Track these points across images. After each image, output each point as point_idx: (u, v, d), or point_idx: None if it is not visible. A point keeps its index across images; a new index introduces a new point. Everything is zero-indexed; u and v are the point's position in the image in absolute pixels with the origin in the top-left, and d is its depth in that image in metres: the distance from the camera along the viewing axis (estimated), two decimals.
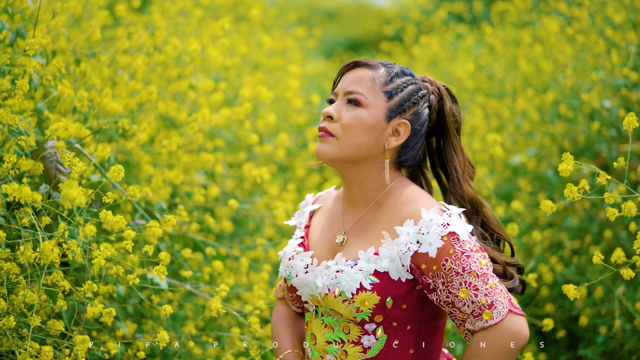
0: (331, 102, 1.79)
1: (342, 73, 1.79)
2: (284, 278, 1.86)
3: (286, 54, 4.58)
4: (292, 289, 1.84)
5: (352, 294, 1.65)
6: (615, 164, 1.74)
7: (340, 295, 1.66)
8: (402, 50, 5.79)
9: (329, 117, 1.74)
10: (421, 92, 1.80)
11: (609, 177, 1.72)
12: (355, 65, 1.77)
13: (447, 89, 1.87)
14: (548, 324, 2.51)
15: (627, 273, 1.78)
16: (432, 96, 1.82)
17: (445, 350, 1.88)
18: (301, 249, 1.85)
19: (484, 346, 1.59)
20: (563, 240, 3.37)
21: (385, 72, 1.75)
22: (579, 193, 1.72)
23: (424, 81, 1.85)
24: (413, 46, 5.29)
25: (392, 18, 7.12)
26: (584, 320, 2.97)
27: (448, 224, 1.64)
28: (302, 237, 1.89)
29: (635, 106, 3.12)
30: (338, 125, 1.72)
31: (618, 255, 1.84)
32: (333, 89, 1.81)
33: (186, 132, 2.53)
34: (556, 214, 3.48)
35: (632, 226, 2.54)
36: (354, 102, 1.72)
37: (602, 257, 1.79)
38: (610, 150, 3.27)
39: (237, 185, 3.44)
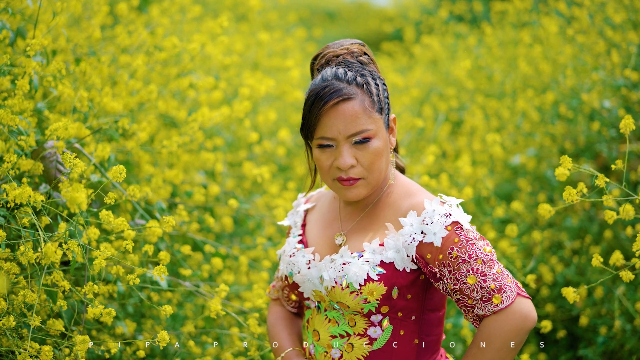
0: (324, 146, 1.71)
1: (319, 111, 1.68)
2: (285, 275, 1.87)
3: (287, 54, 4.58)
4: (294, 286, 1.85)
5: (360, 285, 1.67)
6: (613, 166, 1.74)
7: (347, 287, 1.68)
8: (402, 50, 5.79)
9: (351, 166, 1.70)
10: (381, 77, 1.76)
11: (608, 180, 1.73)
12: (336, 103, 1.68)
13: (364, 45, 1.80)
14: (546, 325, 2.51)
15: (627, 275, 1.78)
16: (374, 67, 1.78)
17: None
18: (301, 245, 1.87)
19: (495, 329, 1.61)
20: (563, 241, 3.37)
21: (363, 93, 1.69)
22: (578, 196, 1.73)
23: (358, 58, 1.76)
24: (413, 46, 5.29)
25: (393, 18, 7.12)
26: (584, 320, 2.98)
27: (450, 214, 1.66)
28: (300, 235, 1.90)
29: (635, 106, 3.12)
30: (360, 168, 1.70)
31: (617, 257, 1.84)
32: (314, 130, 1.70)
33: (186, 131, 2.53)
34: (556, 214, 3.48)
35: (629, 230, 2.54)
36: (365, 139, 1.69)
37: (602, 259, 1.79)
38: (610, 150, 3.27)
39: (237, 184, 3.44)
